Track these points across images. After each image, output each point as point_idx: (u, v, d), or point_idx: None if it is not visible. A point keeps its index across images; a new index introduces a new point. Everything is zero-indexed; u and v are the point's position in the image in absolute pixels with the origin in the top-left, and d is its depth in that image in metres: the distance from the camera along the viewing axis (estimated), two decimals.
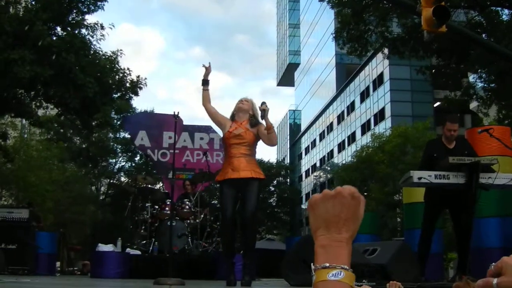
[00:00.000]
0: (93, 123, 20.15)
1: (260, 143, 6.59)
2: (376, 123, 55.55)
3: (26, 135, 34.22)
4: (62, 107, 18.44)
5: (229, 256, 6.55)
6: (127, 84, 19.41)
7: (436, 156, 6.94)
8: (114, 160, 46.21)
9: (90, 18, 20.52)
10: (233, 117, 6.67)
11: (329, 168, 65.19)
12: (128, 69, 19.17)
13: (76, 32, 17.54)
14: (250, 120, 6.55)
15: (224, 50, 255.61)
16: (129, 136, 20.42)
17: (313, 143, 79.79)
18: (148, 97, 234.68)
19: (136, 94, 19.84)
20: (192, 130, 13.62)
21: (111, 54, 18.63)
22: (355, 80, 63.20)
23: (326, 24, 62.77)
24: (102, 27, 17.99)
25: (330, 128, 71.86)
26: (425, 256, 7.12)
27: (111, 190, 46.34)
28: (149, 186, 12.23)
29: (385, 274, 6.29)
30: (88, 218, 37.86)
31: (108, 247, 10.35)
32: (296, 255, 6.30)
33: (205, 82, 6.82)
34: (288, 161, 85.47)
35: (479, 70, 20.75)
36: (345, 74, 66.43)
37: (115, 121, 32.71)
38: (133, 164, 46.04)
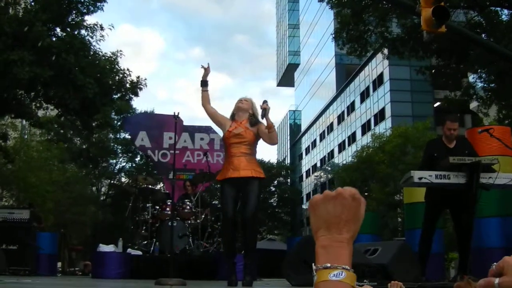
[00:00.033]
0: (93, 124, 20.15)
1: (261, 142, 6.60)
2: (376, 123, 55.54)
3: (26, 136, 34.23)
4: (62, 108, 18.44)
5: (230, 256, 6.56)
6: (127, 85, 19.41)
7: (437, 156, 6.94)
8: (114, 161, 46.27)
9: (89, 19, 20.51)
10: (233, 117, 6.67)
11: (329, 168, 65.18)
12: (128, 69, 19.21)
13: (76, 33, 17.54)
14: (250, 119, 6.55)
15: (223, 51, 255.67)
16: (129, 136, 20.44)
17: (314, 144, 79.77)
18: (148, 98, 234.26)
19: (136, 94, 19.84)
20: (193, 130, 13.63)
21: (111, 55, 18.65)
22: (355, 80, 63.19)
23: (325, 25, 62.77)
24: (102, 28, 18.00)
25: (330, 128, 71.84)
26: (425, 256, 7.13)
27: (112, 190, 46.34)
28: (150, 186, 12.24)
29: (386, 274, 6.30)
30: (89, 218, 37.87)
31: (109, 248, 10.35)
32: (297, 255, 6.31)
33: (204, 83, 6.83)
34: (289, 162, 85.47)
35: (479, 70, 20.75)
36: (345, 75, 66.41)
37: (115, 121, 32.72)
38: (134, 165, 46.04)
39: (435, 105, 50.04)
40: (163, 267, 8.82)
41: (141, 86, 19.68)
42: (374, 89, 57.31)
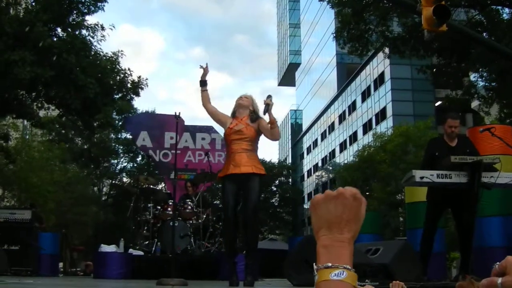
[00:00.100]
0: (95, 124, 20.16)
1: (263, 140, 6.59)
2: (377, 123, 55.53)
3: (27, 136, 34.27)
4: (63, 108, 18.45)
5: (232, 256, 6.55)
6: (128, 85, 19.41)
7: (438, 155, 6.94)
8: (116, 161, 46.29)
9: (90, 19, 20.49)
10: (233, 114, 6.68)
11: (331, 168, 65.17)
12: (129, 69, 19.21)
13: (77, 33, 17.55)
14: (251, 115, 6.55)
15: (224, 51, 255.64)
16: (130, 136, 20.48)
17: (315, 143, 79.76)
18: (149, 98, 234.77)
19: (137, 94, 19.85)
20: (194, 130, 13.64)
21: (112, 55, 18.65)
22: (356, 79, 63.17)
23: (326, 24, 62.74)
24: (103, 28, 18.00)
25: (331, 127, 71.82)
26: (427, 256, 7.12)
27: (113, 190, 46.36)
28: (151, 186, 12.24)
29: (387, 273, 6.29)
30: (90, 219, 37.89)
31: (111, 248, 10.35)
32: (299, 255, 6.30)
33: (203, 83, 6.84)
34: (290, 161, 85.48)
35: (480, 69, 20.73)
36: (346, 74, 66.39)
37: (117, 121, 32.70)
38: (135, 165, 46.06)
39: (436, 104, 50.01)
40: (164, 267, 8.83)
41: (142, 86, 19.68)
42: (375, 88, 57.29)
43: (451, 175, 6.46)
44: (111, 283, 8.70)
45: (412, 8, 10.19)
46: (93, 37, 17.86)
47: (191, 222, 10.49)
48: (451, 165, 6.44)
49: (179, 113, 7.77)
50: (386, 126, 50.38)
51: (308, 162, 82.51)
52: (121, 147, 44.61)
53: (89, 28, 17.76)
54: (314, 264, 1.23)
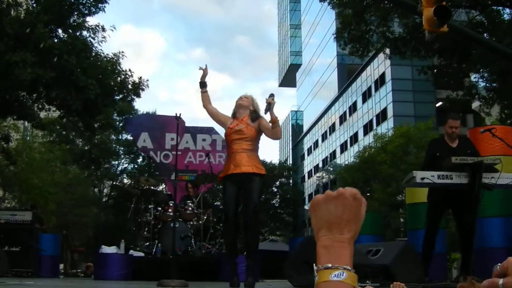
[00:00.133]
0: (95, 125, 20.15)
1: (263, 141, 6.59)
2: (378, 124, 55.55)
3: (28, 138, 34.27)
4: (64, 109, 18.43)
5: (232, 257, 6.55)
6: (129, 86, 19.39)
7: (439, 156, 6.93)
8: (116, 162, 46.33)
9: (91, 20, 20.50)
10: (234, 115, 6.68)
11: (331, 169, 65.20)
12: (129, 70, 19.18)
13: (78, 34, 17.54)
14: (251, 115, 6.54)
15: (224, 51, 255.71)
16: (131, 138, 20.48)
17: (316, 144, 79.77)
18: (149, 99, 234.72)
19: (138, 95, 19.82)
20: (194, 131, 13.64)
21: (113, 56, 18.64)
22: (356, 80, 63.18)
23: (327, 25, 62.74)
24: (103, 29, 17.98)
25: (332, 128, 71.85)
26: (429, 257, 7.11)
27: (114, 192, 46.40)
28: (152, 187, 12.27)
29: (388, 274, 6.29)
30: (91, 220, 37.88)
31: (111, 249, 10.35)
32: (299, 256, 6.30)
33: (203, 85, 6.84)
34: (291, 162, 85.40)
35: (481, 70, 20.73)
36: (347, 75, 66.41)
37: (117, 123, 32.73)
38: (136, 166, 46.09)
39: (437, 105, 49.99)
40: (165, 269, 8.83)
41: (143, 87, 19.66)
42: (376, 89, 57.30)
43: (452, 176, 6.45)
44: (112, 284, 8.70)
45: (413, 8, 10.20)
46: (94, 38, 17.86)
47: (191, 223, 10.49)
48: (452, 166, 6.44)
49: (180, 114, 7.77)
50: (386, 127, 50.39)
51: (308, 163, 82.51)
52: (122, 148, 44.63)
53: (90, 29, 17.74)
54: (314, 264, 1.23)
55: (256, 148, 6.54)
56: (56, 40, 16.83)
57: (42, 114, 21.95)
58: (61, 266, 17.48)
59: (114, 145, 43.85)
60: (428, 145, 7.89)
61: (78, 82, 16.17)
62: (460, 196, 6.69)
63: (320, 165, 74.58)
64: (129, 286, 8.15)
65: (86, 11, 17.41)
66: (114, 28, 18.52)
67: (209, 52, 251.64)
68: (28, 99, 18.46)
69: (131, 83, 19.31)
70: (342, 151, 66.31)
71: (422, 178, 6.44)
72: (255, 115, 6.54)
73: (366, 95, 60.03)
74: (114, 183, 46.74)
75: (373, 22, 20.08)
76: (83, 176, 39.18)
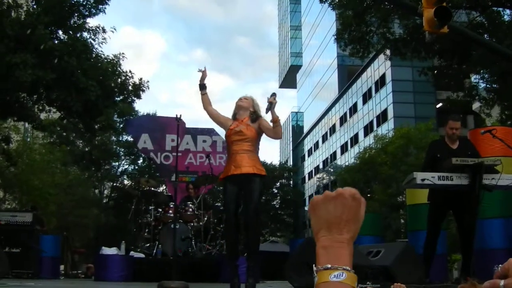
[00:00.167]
0: (96, 126, 20.16)
1: (264, 142, 6.59)
2: (378, 125, 55.54)
3: (29, 139, 34.22)
4: (65, 111, 18.44)
5: (233, 259, 6.54)
6: (129, 87, 19.40)
7: (439, 157, 6.93)
8: (117, 163, 46.30)
9: (91, 22, 20.50)
10: (234, 116, 6.68)
11: (332, 170, 65.20)
12: (130, 72, 19.19)
13: (78, 35, 17.55)
14: (251, 116, 6.54)
15: (225, 52, 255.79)
16: (131, 139, 20.48)
17: (316, 145, 79.77)
18: (150, 100, 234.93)
19: (139, 97, 19.83)
20: (195, 133, 13.65)
21: (113, 58, 18.64)
22: (357, 81, 63.18)
23: (327, 26, 62.77)
24: (104, 31, 18.00)
25: (332, 129, 71.84)
26: (430, 258, 7.11)
27: (114, 193, 46.39)
28: (152, 189, 12.25)
29: (389, 276, 6.28)
30: (92, 221, 37.87)
31: (112, 250, 10.35)
32: (300, 257, 6.30)
33: (203, 87, 6.84)
34: (291, 163, 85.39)
35: (481, 71, 20.74)
36: (347, 76, 66.41)
37: (118, 124, 32.74)
38: (136, 167, 46.06)
39: (438, 106, 50.01)
40: (165, 270, 8.83)
41: (143, 89, 19.66)
42: (377, 90, 57.31)
43: (452, 177, 6.45)
44: (112, 286, 8.71)
45: (413, 9, 10.21)
46: (94, 40, 17.87)
47: (192, 224, 10.49)
48: (452, 167, 6.44)
49: (180, 115, 7.79)
50: (387, 128, 50.38)
51: (309, 164, 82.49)
52: (122, 150, 44.62)
53: (90, 31, 17.75)
54: (313, 265, 1.23)
55: (257, 149, 6.54)
56: (56, 42, 16.84)
57: (43, 116, 21.94)
58: (62, 267, 17.51)
59: (114, 147, 43.84)
60: (428, 146, 7.88)
61: (78, 84, 16.18)
62: (460, 197, 6.69)
63: (321, 166, 74.57)
64: (129, 287, 8.17)
65: (87, 13, 17.42)
66: (115, 29, 18.56)
67: (209, 53, 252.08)
68: (29, 101, 18.46)
69: (131, 84, 19.33)
70: (342, 152, 66.30)
71: (423, 179, 6.44)
72: (255, 116, 6.53)
73: (367, 96, 60.04)
74: (115, 184, 46.74)
75: (374, 23, 20.08)
76: (84, 177, 39.15)
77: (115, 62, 18.53)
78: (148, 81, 19.70)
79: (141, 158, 43.83)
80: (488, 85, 21.53)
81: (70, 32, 17.48)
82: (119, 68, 18.68)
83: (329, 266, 1.20)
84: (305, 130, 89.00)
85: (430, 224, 7.25)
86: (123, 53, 18.85)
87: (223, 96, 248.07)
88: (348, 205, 1.25)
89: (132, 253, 10.54)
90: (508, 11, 19.54)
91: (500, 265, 1.29)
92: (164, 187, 16.69)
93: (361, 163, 40.18)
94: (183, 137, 12.83)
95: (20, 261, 11.50)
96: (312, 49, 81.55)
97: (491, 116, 22.98)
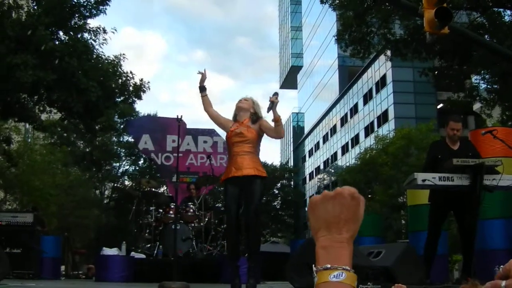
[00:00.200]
0: (97, 127, 20.17)
1: (264, 143, 6.59)
2: (379, 125, 55.53)
3: (29, 140, 34.24)
4: (66, 111, 18.45)
5: (234, 259, 6.55)
6: (130, 88, 19.41)
7: (440, 158, 6.93)
8: (117, 164, 46.27)
9: (92, 22, 20.50)
10: (235, 118, 6.69)
11: (333, 171, 65.17)
12: (131, 72, 19.20)
13: (79, 36, 17.56)
14: (251, 117, 6.55)
15: (226, 53, 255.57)
16: (132, 139, 20.48)
17: (317, 146, 79.75)
18: (151, 101, 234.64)
19: (140, 98, 19.84)
20: (196, 133, 13.65)
21: (114, 58, 18.65)
22: (358, 82, 63.18)
23: (328, 27, 62.78)
24: (105, 31, 18.01)
25: (333, 130, 71.84)
26: (431, 259, 7.10)
27: (115, 194, 46.38)
28: (153, 189, 12.27)
29: (389, 276, 6.28)
30: (92, 222, 37.86)
31: (113, 251, 10.36)
32: (301, 258, 6.30)
33: (202, 89, 6.84)
34: (292, 164, 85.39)
35: (482, 72, 20.74)
36: (348, 77, 66.38)
37: (118, 125, 32.74)
38: (137, 168, 46.04)
39: (438, 106, 50.00)
40: (166, 270, 8.83)
41: (144, 89, 19.67)
42: (377, 91, 57.30)
43: (453, 177, 6.45)
44: (113, 286, 8.71)
45: (414, 10, 10.20)
46: (95, 41, 17.88)
47: (193, 225, 10.50)
48: (453, 168, 6.44)
49: (181, 116, 7.78)
50: (388, 129, 50.35)
51: (310, 165, 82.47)
52: (123, 150, 44.60)
53: (91, 32, 17.76)
54: (313, 265, 1.23)
55: (257, 151, 6.54)
56: (57, 43, 16.84)
57: (43, 116, 21.96)
58: (63, 268, 17.49)
59: (115, 147, 43.81)
60: (429, 147, 7.88)
61: (79, 84, 16.19)
62: (461, 198, 6.69)
63: (321, 167, 74.55)
64: None
65: (87, 13, 17.43)
66: (115, 30, 18.57)
67: (210, 53, 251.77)
68: (29, 101, 18.48)
69: (132, 85, 19.34)
70: (343, 153, 66.28)
71: (423, 180, 6.44)
72: (255, 117, 6.54)
73: (367, 97, 60.03)
74: (115, 185, 46.73)
75: (374, 24, 20.08)
76: (84, 178, 39.14)
77: (115, 63, 18.54)
78: (148, 82, 19.74)
79: (142, 159, 43.84)
80: (488, 86, 21.53)
81: (71, 33, 17.50)
82: (119, 69, 18.70)
83: (329, 266, 1.20)
84: (306, 130, 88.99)
85: (430, 224, 7.24)
86: (123, 54, 18.88)
87: (224, 96, 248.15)
88: (347, 204, 1.25)
89: (133, 253, 10.54)
90: (508, 12, 19.54)
91: (501, 266, 1.29)
92: (165, 188, 16.70)
93: (362, 164, 40.14)
94: (184, 137, 12.83)
95: (21, 261, 11.49)
96: (312, 49, 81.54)
97: (491, 117, 22.98)
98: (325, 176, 69.72)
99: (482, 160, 6.60)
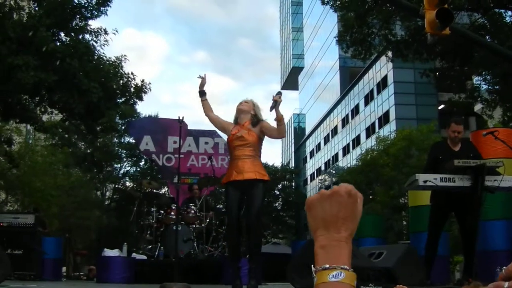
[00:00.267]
0: (98, 128, 20.16)
1: (265, 144, 6.58)
2: (380, 126, 55.53)
3: (31, 141, 34.26)
4: (67, 113, 18.46)
5: (235, 261, 6.55)
6: (132, 89, 19.41)
7: (442, 159, 6.93)
8: (119, 165, 46.25)
9: (93, 24, 20.51)
10: (236, 121, 6.69)
11: (334, 172, 65.12)
12: (132, 73, 19.19)
13: (80, 37, 17.55)
14: (252, 120, 6.55)
15: (227, 54, 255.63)
16: (133, 141, 20.45)
17: (318, 147, 79.74)
18: (152, 102, 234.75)
19: (141, 99, 19.82)
20: (197, 134, 13.65)
21: (115, 60, 18.65)
22: (359, 83, 63.18)
23: (329, 28, 62.79)
24: (106, 32, 18.00)
25: (334, 131, 71.83)
26: (431, 260, 7.10)
27: (116, 195, 46.38)
28: (154, 190, 12.26)
29: (391, 277, 6.28)
30: (94, 223, 37.92)
31: (114, 252, 10.35)
32: (302, 259, 6.29)
33: (202, 93, 6.84)
34: (293, 165, 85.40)
35: (483, 72, 20.74)
36: (349, 78, 66.40)
37: (120, 126, 32.74)
38: (138, 169, 46.03)
39: (440, 107, 49.99)
40: (167, 272, 8.83)
41: (146, 90, 19.67)
42: (378, 92, 57.30)
43: (454, 178, 6.45)
44: (114, 287, 8.70)
45: (415, 11, 10.20)
46: (96, 42, 17.86)
47: (194, 226, 10.50)
48: (454, 169, 6.44)
49: (183, 117, 7.80)
50: (389, 130, 50.36)
51: (311, 166, 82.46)
52: (124, 152, 44.58)
53: (92, 33, 17.75)
54: (312, 266, 1.23)
55: (259, 154, 6.54)
56: (58, 44, 16.84)
57: (45, 117, 21.98)
58: (64, 269, 17.50)
59: (116, 148, 43.81)
60: (430, 148, 7.88)
61: (80, 86, 16.19)
62: (462, 199, 6.69)
63: (323, 168, 74.53)
64: None
65: (89, 15, 17.42)
66: (117, 31, 18.54)
67: (211, 54, 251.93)
68: (31, 102, 18.48)
69: (133, 86, 19.33)
70: (344, 154, 66.29)
71: (425, 181, 6.44)
72: (256, 119, 6.54)
73: (368, 98, 60.02)
74: (117, 186, 46.73)
75: (375, 25, 20.07)
76: (86, 179, 39.16)
77: (117, 64, 18.53)
78: (150, 83, 19.73)
79: (143, 160, 43.84)
80: (490, 87, 21.52)
81: (72, 34, 17.49)
82: (121, 70, 18.68)
83: (327, 266, 1.20)
84: (307, 132, 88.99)
85: (431, 225, 7.24)
86: (125, 55, 18.87)
87: (225, 97, 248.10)
88: (344, 202, 1.25)
89: (134, 254, 10.53)
90: (510, 13, 19.53)
91: (504, 267, 1.29)
92: (166, 189, 16.71)
93: (363, 165, 40.15)
94: (185, 139, 12.83)
95: (22, 263, 11.49)
96: (313, 51, 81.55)
97: (493, 118, 22.96)
98: (326, 177, 69.70)
99: (484, 161, 6.60)
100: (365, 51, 20.76)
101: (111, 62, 18.38)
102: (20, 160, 25.98)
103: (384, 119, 55.16)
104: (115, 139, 42.35)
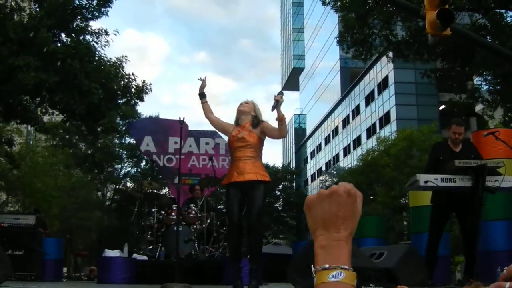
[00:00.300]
0: (99, 129, 20.17)
1: (266, 144, 6.58)
2: (381, 127, 55.53)
3: (31, 142, 34.27)
4: (68, 113, 18.45)
5: (236, 261, 6.55)
6: (132, 90, 19.40)
7: (442, 159, 6.93)
8: (119, 166, 46.24)
9: (94, 24, 20.51)
10: (236, 122, 6.69)
11: (335, 172, 65.12)
12: (133, 74, 19.19)
13: (81, 38, 17.55)
14: (252, 121, 6.55)
15: (228, 55, 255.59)
16: (134, 141, 20.47)
17: (319, 147, 79.76)
18: (153, 103, 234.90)
19: (141, 99, 19.82)
20: (198, 135, 13.66)
21: (116, 60, 18.65)
22: (359, 84, 63.19)
23: (330, 28, 62.81)
24: (107, 33, 18.00)
25: (335, 132, 71.85)
26: (432, 260, 7.10)
27: (117, 195, 46.37)
28: (155, 191, 12.24)
29: (392, 278, 6.27)
30: (94, 223, 37.91)
31: (115, 253, 10.35)
32: (303, 259, 6.29)
33: (202, 95, 6.85)
34: (294, 166, 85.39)
35: (484, 73, 20.72)
36: (350, 78, 66.41)
37: (121, 126, 32.74)
38: (139, 170, 46.04)
39: (440, 108, 49.98)
40: (168, 272, 8.83)
41: (146, 91, 19.66)
42: (379, 93, 57.29)
43: (455, 179, 6.45)
44: None
45: (416, 12, 10.20)
46: (97, 43, 17.86)
47: (195, 226, 10.49)
48: (455, 169, 6.43)
49: (183, 118, 7.80)
50: (390, 130, 50.38)
51: (312, 167, 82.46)
52: (125, 152, 44.59)
53: (93, 34, 17.75)
54: (312, 266, 1.23)
55: (260, 155, 6.54)
56: (59, 44, 16.84)
57: (45, 118, 21.97)
58: (65, 269, 17.51)
59: (117, 149, 43.82)
60: (431, 148, 7.88)
61: (81, 86, 16.19)
62: (463, 199, 6.69)
63: (323, 169, 74.54)
64: None
65: (89, 15, 17.42)
66: (117, 32, 18.53)
67: (212, 55, 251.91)
68: (32, 103, 18.49)
69: (134, 87, 19.33)
70: (345, 155, 66.30)
71: (426, 182, 6.44)
72: (256, 120, 6.54)
73: (369, 99, 60.02)
74: (117, 186, 46.72)
75: (376, 25, 20.07)
76: (86, 180, 39.17)
77: (118, 64, 18.53)
78: (150, 84, 19.72)
79: (143, 161, 43.85)
80: (491, 87, 21.51)
81: (73, 35, 17.49)
82: (121, 71, 18.68)
83: (327, 266, 1.19)
84: (308, 132, 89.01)
85: (432, 226, 7.24)
86: (125, 56, 18.86)
87: (226, 98, 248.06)
88: (343, 202, 1.25)
89: (135, 255, 10.53)
90: (511, 13, 19.52)
91: (505, 268, 1.29)
92: (167, 190, 16.70)
93: (364, 165, 40.15)
94: (186, 139, 12.83)
95: (23, 263, 11.49)
96: (314, 51, 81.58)
97: (494, 118, 22.96)
98: (327, 177, 69.70)
99: (484, 161, 6.60)
100: (366, 52, 20.76)
101: (112, 63, 18.37)
102: (21, 161, 25.99)
103: (385, 119, 55.16)
104: (116, 140, 42.37)
